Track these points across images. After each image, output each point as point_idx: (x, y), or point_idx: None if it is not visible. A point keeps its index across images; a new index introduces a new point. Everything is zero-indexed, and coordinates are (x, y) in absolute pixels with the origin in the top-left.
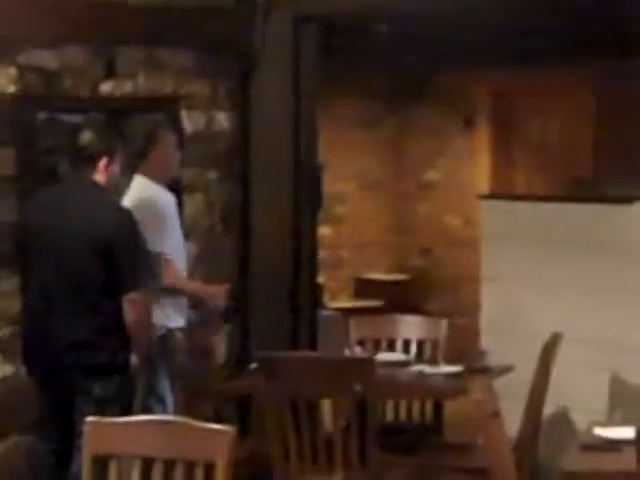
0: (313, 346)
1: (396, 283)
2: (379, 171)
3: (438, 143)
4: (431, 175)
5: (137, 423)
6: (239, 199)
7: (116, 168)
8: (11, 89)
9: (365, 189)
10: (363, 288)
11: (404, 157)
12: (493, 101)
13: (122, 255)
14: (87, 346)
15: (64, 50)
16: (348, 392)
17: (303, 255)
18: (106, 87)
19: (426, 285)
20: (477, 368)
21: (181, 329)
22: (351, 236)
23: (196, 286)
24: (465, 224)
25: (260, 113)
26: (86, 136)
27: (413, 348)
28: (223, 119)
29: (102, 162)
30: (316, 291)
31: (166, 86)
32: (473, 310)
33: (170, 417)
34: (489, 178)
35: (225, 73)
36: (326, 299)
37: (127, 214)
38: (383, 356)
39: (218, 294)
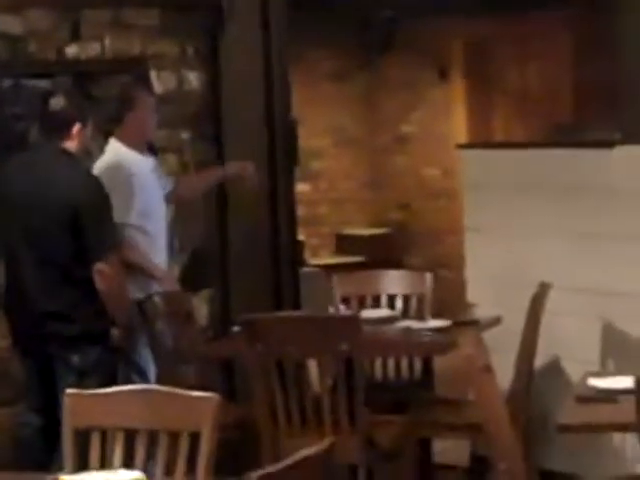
0: (297, 305)
1: (377, 238)
2: (354, 125)
3: (413, 95)
4: (407, 128)
5: (117, 394)
6: (213, 159)
7: (87, 134)
8: None
9: (340, 144)
10: (343, 244)
11: (379, 111)
12: (467, 50)
13: (89, 223)
14: (62, 317)
15: (28, 14)
16: (334, 351)
17: (281, 213)
18: (72, 50)
19: (407, 239)
20: (465, 321)
21: (159, 294)
22: (328, 192)
23: (151, 266)
24: (444, 175)
25: (230, 71)
26: (57, 102)
27: (399, 304)
28: (193, 78)
29: (74, 128)
30: (297, 249)
31: (133, 47)
32: (456, 262)
33: (152, 386)
34: (467, 128)
35: (193, 31)
36: (307, 256)
37: (95, 181)
38: (368, 313)
39: (168, 280)
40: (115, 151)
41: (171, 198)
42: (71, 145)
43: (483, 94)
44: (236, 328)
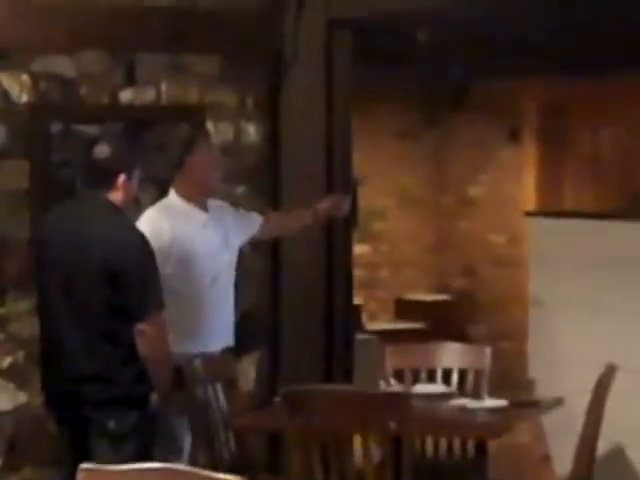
0: (348, 373)
1: (438, 304)
2: (419, 186)
3: (482, 156)
4: (474, 190)
5: (135, 471)
6: None
7: (134, 185)
8: (25, 98)
9: (404, 205)
10: (403, 309)
11: (445, 171)
12: (541, 111)
13: (132, 282)
14: (100, 378)
15: (81, 56)
16: (381, 429)
17: (337, 275)
18: (126, 95)
19: (470, 306)
20: (524, 402)
21: (201, 357)
22: (390, 254)
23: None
24: (510, 242)
25: (291, 124)
26: (102, 150)
27: (455, 378)
28: (252, 131)
29: (119, 179)
30: (352, 313)
31: (190, 94)
32: (519, 333)
33: (172, 466)
34: (536, 194)
35: (253, 81)
36: (364, 321)
37: (140, 237)
38: (422, 388)
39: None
40: (163, 202)
41: (261, 234)
42: (116, 197)
43: (555, 158)
44: (277, 399)
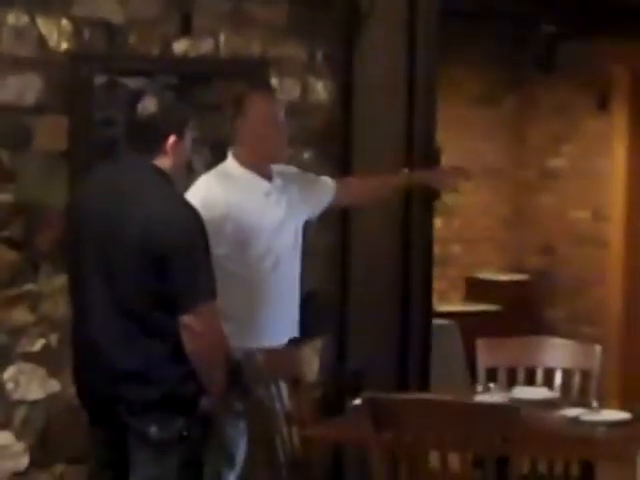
0: (425, 363)
1: (513, 284)
2: (496, 156)
3: (566, 125)
4: (557, 162)
5: None
6: None
7: (187, 148)
8: (64, 46)
9: (480, 176)
10: (476, 289)
11: (526, 140)
12: (633, 78)
13: (179, 265)
14: (140, 377)
15: (130, 0)
16: (484, 447)
17: (415, 254)
18: (180, 46)
19: (548, 288)
20: None
21: (263, 351)
22: (462, 230)
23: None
24: (595, 219)
25: (366, 81)
26: (149, 105)
27: (557, 380)
28: (321, 88)
29: (169, 141)
30: (430, 297)
31: (253, 47)
32: (601, 318)
33: None
34: (626, 167)
35: (325, 33)
36: (434, 301)
37: (191, 212)
38: (521, 391)
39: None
40: (219, 168)
41: (337, 201)
42: (164, 162)
43: None
44: (356, 402)
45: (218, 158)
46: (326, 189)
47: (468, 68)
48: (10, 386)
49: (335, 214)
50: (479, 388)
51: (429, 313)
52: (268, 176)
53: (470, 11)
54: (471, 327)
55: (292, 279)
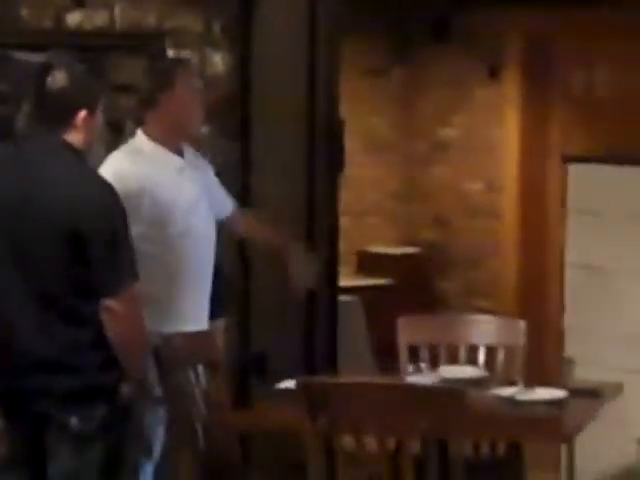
0: (332, 339)
1: (405, 258)
2: (386, 128)
3: (457, 96)
4: (448, 133)
5: None
6: (237, 160)
7: (97, 124)
8: None
9: (370, 149)
10: (367, 263)
11: (416, 112)
12: (525, 46)
13: (98, 247)
14: (59, 366)
15: None
16: (427, 431)
17: (319, 231)
18: (74, 18)
19: (441, 261)
20: (582, 390)
21: (182, 335)
22: (353, 203)
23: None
24: (488, 190)
25: (265, 52)
26: (59, 79)
27: (480, 358)
28: (218, 60)
29: (80, 116)
30: (336, 273)
31: (148, 18)
32: (496, 292)
33: None
34: (519, 137)
35: (222, 2)
36: None
37: (108, 189)
38: (448, 371)
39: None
40: (129, 145)
41: (228, 226)
42: (75, 138)
43: (541, 98)
44: (283, 386)
45: (115, 139)
46: (226, 204)
47: (356, 39)
48: None
49: (235, 191)
50: (410, 368)
51: (334, 289)
52: (179, 152)
53: None
54: (364, 302)
55: (209, 260)
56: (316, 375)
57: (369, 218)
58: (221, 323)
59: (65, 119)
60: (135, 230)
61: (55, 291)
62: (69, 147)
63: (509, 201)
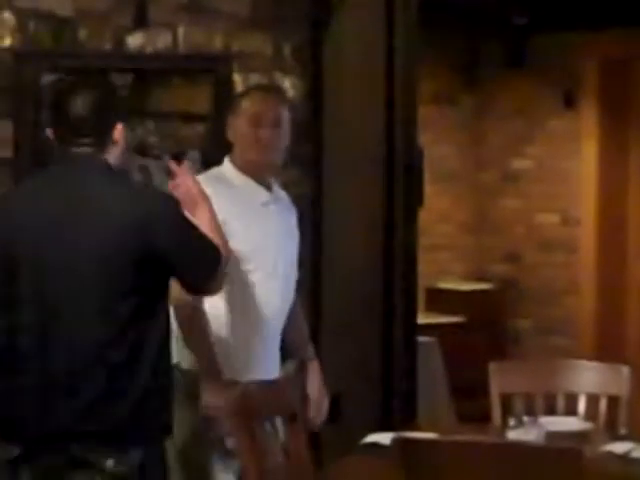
0: (411, 387)
1: (477, 294)
2: (456, 158)
3: (530, 124)
4: (520, 164)
5: None
6: (310, 191)
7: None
8: (7, 42)
9: (438, 180)
10: (436, 300)
11: (487, 141)
12: (602, 71)
13: (181, 256)
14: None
15: None
16: None
17: (397, 268)
18: (135, 40)
19: (514, 297)
20: None
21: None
22: (421, 237)
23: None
24: (563, 223)
25: (338, 79)
26: (82, 100)
27: (581, 407)
28: (289, 86)
29: (115, 131)
30: (415, 312)
31: (214, 41)
32: (573, 329)
33: None
34: (596, 167)
35: (292, 24)
36: None
37: (172, 201)
38: (550, 422)
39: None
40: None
41: None
42: (114, 152)
43: (620, 126)
44: (368, 441)
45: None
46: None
47: (425, 65)
48: None
49: (308, 223)
50: (511, 421)
51: (413, 329)
52: (268, 187)
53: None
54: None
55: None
56: (394, 419)
57: (438, 252)
58: (291, 365)
59: (99, 137)
60: None
61: (114, 320)
62: (110, 169)
63: (586, 234)
